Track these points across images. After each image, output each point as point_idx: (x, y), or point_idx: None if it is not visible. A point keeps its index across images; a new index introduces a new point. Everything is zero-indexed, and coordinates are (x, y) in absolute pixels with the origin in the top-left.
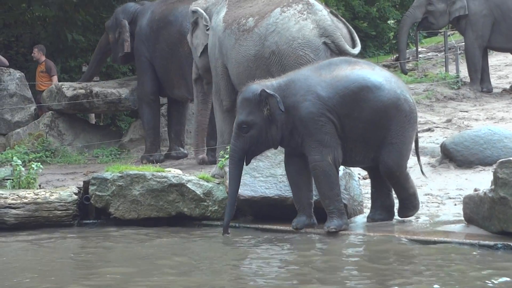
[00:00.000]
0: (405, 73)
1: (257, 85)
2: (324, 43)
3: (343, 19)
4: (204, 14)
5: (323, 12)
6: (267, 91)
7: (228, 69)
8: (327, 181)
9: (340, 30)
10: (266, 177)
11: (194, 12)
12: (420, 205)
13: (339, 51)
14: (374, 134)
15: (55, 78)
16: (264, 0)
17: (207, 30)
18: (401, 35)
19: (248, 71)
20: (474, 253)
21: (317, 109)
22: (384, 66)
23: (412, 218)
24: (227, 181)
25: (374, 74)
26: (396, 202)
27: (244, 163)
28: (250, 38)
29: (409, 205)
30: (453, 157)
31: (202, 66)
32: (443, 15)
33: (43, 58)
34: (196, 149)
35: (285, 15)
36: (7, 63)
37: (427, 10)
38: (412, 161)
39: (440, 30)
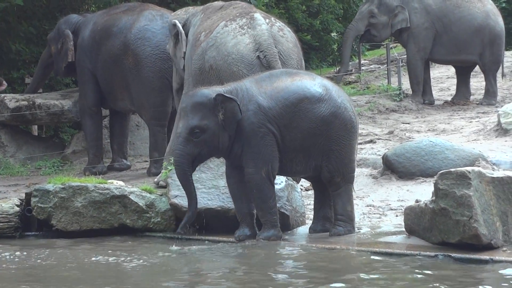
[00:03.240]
0: (339, 82)
1: (208, 90)
2: (258, 57)
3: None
4: (181, 28)
5: (262, 27)
6: (225, 95)
7: None
8: (260, 195)
9: (282, 43)
10: (208, 188)
11: (174, 25)
12: (362, 216)
13: (268, 67)
14: (314, 143)
15: None
16: (222, 13)
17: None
18: (344, 48)
19: (197, 86)
20: (414, 263)
21: (258, 119)
22: (327, 78)
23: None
24: (170, 192)
25: (314, 84)
26: None
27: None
28: (197, 52)
29: (341, 223)
30: (394, 168)
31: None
32: (385, 28)
33: None
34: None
35: (226, 29)
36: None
37: (369, 23)
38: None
39: (382, 43)
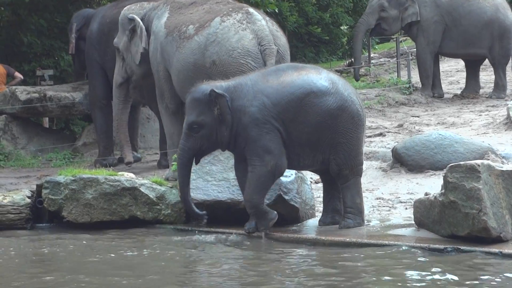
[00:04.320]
0: (357, 80)
1: (207, 85)
2: (260, 51)
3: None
4: (141, 24)
5: (262, 22)
6: (216, 90)
7: (170, 74)
8: (257, 184)
9: (280, 39)
10: (218, 181)
11: (131, 19)
12: (372, 209)
13: (264, 61)
14: (321, 137)
15: None
16: (205, 7)
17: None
18: (355, 42)
19: (188, 79)
20: (424, 256)
21: (263, 115)
22: (337, 71)
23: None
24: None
25: (320, 78)
26: None
27: (194, 163)
28: (188, 46)
29: (351, 215)
30: (404, 161)
31: (140, 73)
32: (395, 21)
33: None
34: (121, 149)
35: (225, 24)
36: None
37: (380, 17)
38: (364, 164)
39: (392, 36)
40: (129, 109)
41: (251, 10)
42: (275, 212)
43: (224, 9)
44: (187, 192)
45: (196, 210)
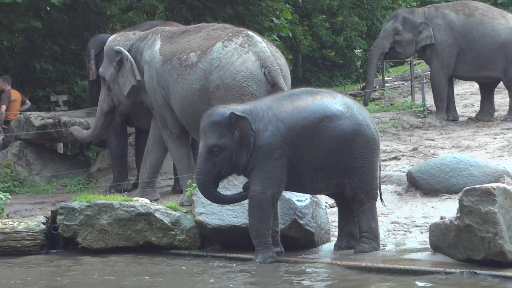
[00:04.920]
0: (366, 105)
1: (224, 109)
2: (264, 73)
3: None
4: (130, 57)
5: (263, 44)
6: (237, 113)
7: (169, 101)
8: (260, 215)
9: (280, 59)
10: (233, 206)
11: (118, 52)
12: (387, 233)
13: (272, 83)
14: (336, 161)
15: (2, 107)
16: (201, 35)
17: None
18: (369, 66)
19: (193, 105)
20: (440, 281)
21: (276, 140)
22: (351, 95)
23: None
24: (195, 210)
25: (335, 103)
26: None
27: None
28: (193, 73)
29: (366, 240)
30: (419, 185)
31: (129, 104)
32: (410, 45)
33: (7, 88)
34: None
35: (228, 49)
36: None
37: (394, 40)
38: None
39: (406, 59)
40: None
41: (251, 33)
42: (275, 251)
43: (223, 34)
44: (225, 198)
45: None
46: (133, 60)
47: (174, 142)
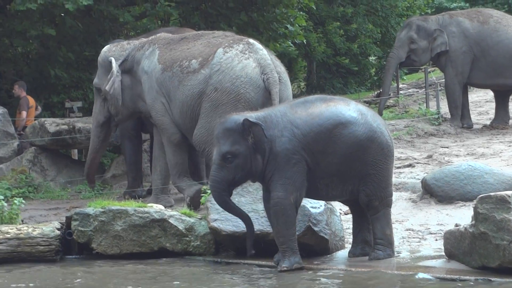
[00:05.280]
0: (381, 114)
1: (238, 116)
2: (263, 80)
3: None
4: (116, 72)
5: (264, 51)
6: (251, 119)
7: (170, 108)
8: (285, 220)
9: (279, 67)
10: (248, 212)
11: (112, 63)
12: (401, 240)
13: (268, 90)
14: (350, 168)
15: (23, 113)
16: (202, 42)
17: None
18: (386, 76)
19: (191, 110)
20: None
21: (293, 146)
22: (365, 102)
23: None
24: (210, 216)
25: (349, 109)
26: None
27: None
28: (195, 78)
29: (381, 247)
30: (434, 192)
31: (127, 114)
32: (425, 52)
33: (23, 94)
34: (90, 183)
35: (228, 55)
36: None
37: (410, 49)
38: (394, 196)
39: (420, 67)
40: (105, 148)
41: (252, 40)
42: (300, 260)
43: (224, 41)
44: (246, 218)
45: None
46: (117, 77)
47: (173, 148)
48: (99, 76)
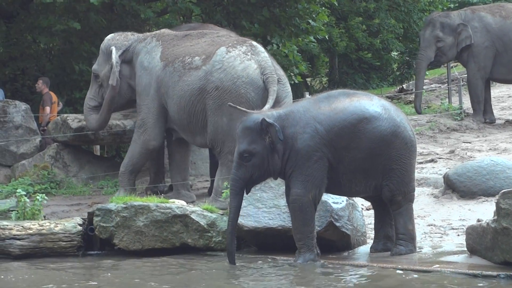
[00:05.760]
0: (419, 113)
1: (258, 115)
2: (263, 80)
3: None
4: (116, 63)
5: (265, 54)
6: (267, 120)
7: (167, 107)
8: (303, 217)
9: (279, 70)
10: (269, 208)
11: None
12: (423, 235)
13: (267, 88)
14: (374, 163)
15: (47, 109)
16: (206, 40)
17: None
18: (418, 79)
19: (189, 105)
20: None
21: (315, 143)
22: (388, 97)
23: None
24: None
25: (372, 104)
26: None
27: (245, 192)
28: (195, 74)
29: (403, 242)
30: (456, 188)
31: (123, 103)
32: (452, 48)
33: (46, 90)
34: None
35: (231, 54)
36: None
37: (437, 47)
38: (416, 191)
39: (441, 63)
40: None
41: (254, 43)
42: (316, 254)
43: (228, 41)
44: (234, 226)
45: (232, 252)
46: (117, 67)
47: (142, 148)
48: (99, 62)
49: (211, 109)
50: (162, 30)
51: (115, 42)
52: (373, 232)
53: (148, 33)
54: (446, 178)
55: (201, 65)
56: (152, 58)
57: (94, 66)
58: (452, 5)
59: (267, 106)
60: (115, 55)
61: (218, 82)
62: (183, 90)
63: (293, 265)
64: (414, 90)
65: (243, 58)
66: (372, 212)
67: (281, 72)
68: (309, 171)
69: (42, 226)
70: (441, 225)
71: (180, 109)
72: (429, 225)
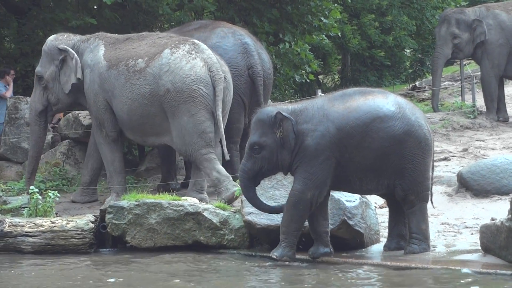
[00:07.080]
0: (436, 111)
1: (273, 108)
2: (211, 77)
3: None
4: (76, 56)
5: (209, 51)
6: (283, 113)
7: (111, 105)
8: (294, 213)
9: (224, 66)
10: (282, 206)
11: (63, 50)
12: (437, 234)
13: (213, 87)
14: (386, 162)
15: None
16: (147, 42)
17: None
18: (435, 77)
19: (142, 107)
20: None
21: (324, 142)
22: (401, 95)
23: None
24: (244, 209)
25: (387, 103)
26: None
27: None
28: (143, 77)
29: (416, 241)
30: (469, 186)
31: (68, 102)
32: (468, 44)
33: None
34: (28, 177)
35: (176, 55)
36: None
37: (453, 44)
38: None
39: (456, 60)
40: (44, 140)
41: (197, 41)
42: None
43: (169, 42)
44: (260, 204)
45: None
46: (78, 59)
47: (109, 145)
48: (42, 64)
49: (169, 113)
50: (102, 33)
51: (58, 41)
52: (386, 230)
53: (90, 35)
54: (460, 176)
55: (144, 67)
56: (94, 56)
57: (38, 68)
58: (464, 3)
59: (218, 107)
60: (73, 52)
61: (169, 85)
62: (134, 93)
63: (271, 257)
64: (428, 88)
65: (188, 57)
66: (385, 210)
67: (225, 68)
68: (313, 169)
69: (54, 223)
70: (455, 223)
71: (131, 111)
72: (442, 224)
